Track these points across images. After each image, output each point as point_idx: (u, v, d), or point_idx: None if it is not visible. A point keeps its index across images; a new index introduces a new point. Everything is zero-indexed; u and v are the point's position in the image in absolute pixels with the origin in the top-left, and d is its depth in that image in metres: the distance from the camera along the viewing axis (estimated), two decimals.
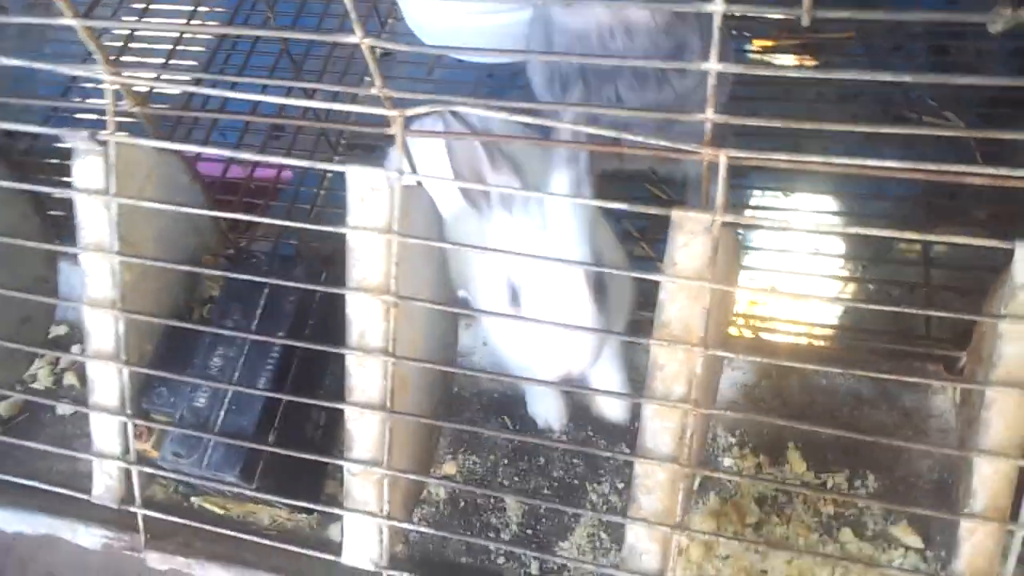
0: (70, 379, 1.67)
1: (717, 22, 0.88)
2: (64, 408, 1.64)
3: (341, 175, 1.12)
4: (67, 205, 1.22)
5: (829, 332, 1.79)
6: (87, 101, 1.99)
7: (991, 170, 0.90)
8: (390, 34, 2.09)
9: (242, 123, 1.86)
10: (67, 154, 1.19)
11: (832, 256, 2.12)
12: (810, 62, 2.72)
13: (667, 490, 1.13)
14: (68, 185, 1.19)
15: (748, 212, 2.12)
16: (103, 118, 1.18)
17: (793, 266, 1.80)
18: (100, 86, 1.17)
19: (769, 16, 2.37)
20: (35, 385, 1.67)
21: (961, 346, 1.38)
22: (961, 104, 2.43)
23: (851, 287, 2.04)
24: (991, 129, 2.20)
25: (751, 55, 2.75)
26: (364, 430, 1.19)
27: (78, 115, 2.01)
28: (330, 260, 1.43)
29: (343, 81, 1.84)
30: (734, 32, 2.64)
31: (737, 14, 0.86)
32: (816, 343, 1.56)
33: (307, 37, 1.73)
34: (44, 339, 1.62)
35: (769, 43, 2.75)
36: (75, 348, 1.69)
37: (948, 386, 1.35)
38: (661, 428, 1.12)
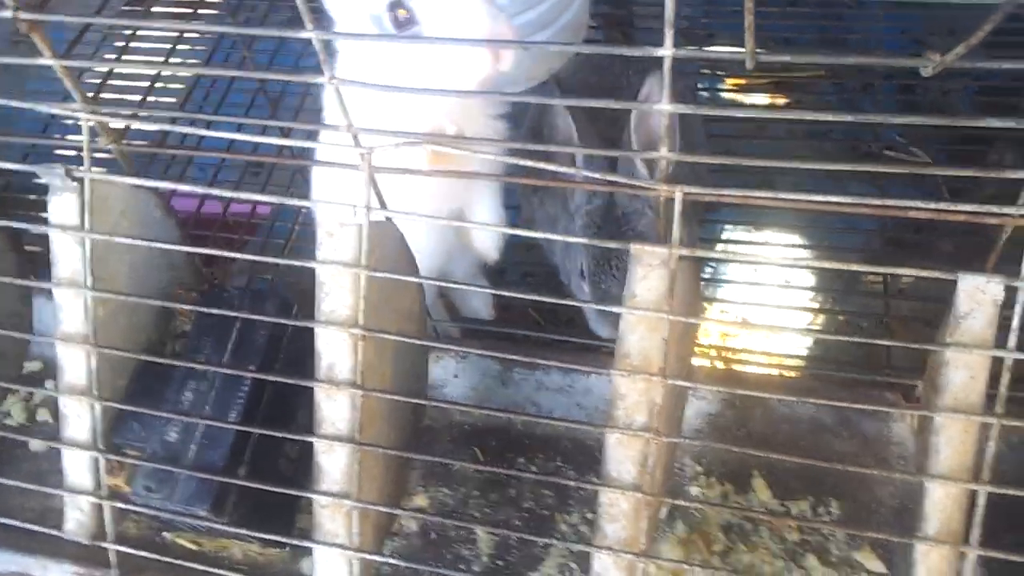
0: (43, 415, 1.68)
1: (667, 65, 0.92)
2: (37, 444, 1.64)
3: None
4: (44, 241, 1.25)
5: (796, 362, 1.83)
6: (66, 138, 2.02)
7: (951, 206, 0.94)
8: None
9: (218, 159, 1.90)
10: (44, 190, 1.22)
11: (801, 288, 2.18)
12: (781, 100, 2.79)
13: (631, 518, 1.15)
14: (45, 221, 1.22)
15: (719, 246, 2.17)
16: (82, 154, 1.21)
17: (763, 298, 1.85)
18: (78, 123, 1.20)
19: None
20: (8, 421, 1.67)
21: (919, 375, 1.42)
22: (928, 141, 2.51)
23: (820, 318, 2.09)
24: (957, 165, 2.28)
25: (724, 93, 2.82)
26: (333, 462, 1.21)
27: (59, 151, 2.04)
28: (305, 295, 1.46)
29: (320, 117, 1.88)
30: (707, 71, 2.72)
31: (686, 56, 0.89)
32: (783, 373, 1.60)
33: (278, 78, 1.77)
34: (18, 375, 1.62)
35: (742, 81, 2.82)
36: (48, 384, 1.69)
37: (907, 414, 1.39)
38: (624, 457, 1.14)
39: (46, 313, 1.69)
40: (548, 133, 1.61)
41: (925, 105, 2.54)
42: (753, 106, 2.51)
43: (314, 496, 1.21)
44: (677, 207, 1.07)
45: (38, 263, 1.57)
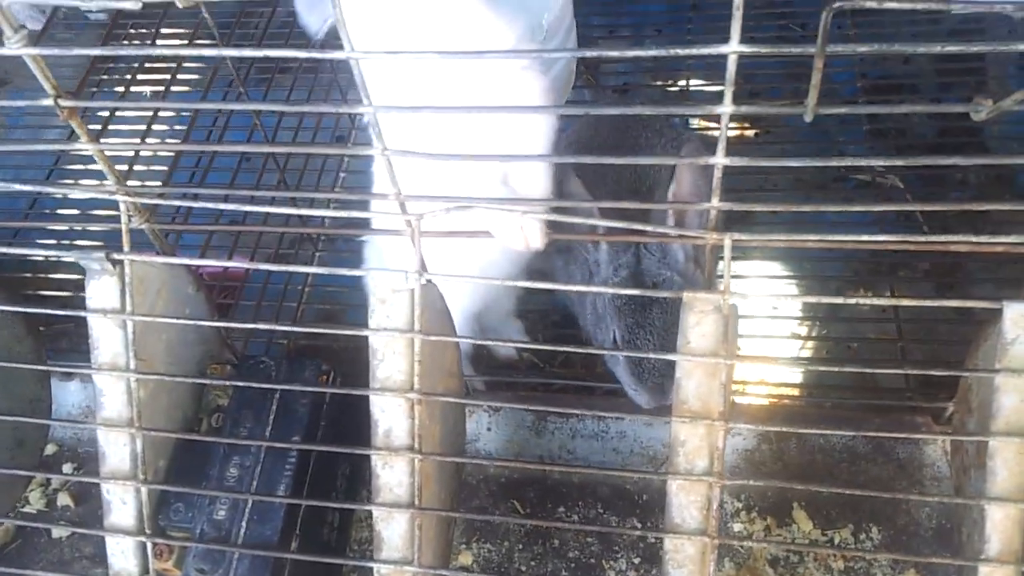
0: (64, 499, 1.63)
1: (725, 121, 0.95)
2: (59, 531, 1.59)
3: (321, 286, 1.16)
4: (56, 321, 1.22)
5: (809, 390, 1.86)
6: (58, 212, 1.98)
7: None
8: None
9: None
10: (39, 267, 1.19)
11: (788, 318, 2.21)
12: (750, 131, 2.86)
13: (697, 563, 1.16)
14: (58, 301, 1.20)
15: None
16: (74, 229, 1.19)
17: (756, 329, 1.88)
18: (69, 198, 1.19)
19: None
20: (27, 509, 1.62)
21: (937, 396, 1.47)
22: (899, 165, 2.58)
23: (809, 345, 2.12)
24: (928, 187, 2.36)
25: (697, 130, 2.87)
26: (393, 530, 1.20)
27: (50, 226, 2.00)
28: (336, 356, 1.45)
29: (322, 179, 1.88)
30: (677, 117, 2.77)
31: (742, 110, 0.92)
32: (802, 402, 1.63)
33: (330, 151, 1.76)
34: (39, 461, 1.58)
35: (711, 124, 2.88)
36: (66, 467, 1.65)
37: (938, 436, 1.43)
38: (687, 503, 1.15)
39: (62, 395, 1.65)
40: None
41: (890, 129, 2.63)
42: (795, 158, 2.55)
43: (375, 565, 1.20)
44: (727, 253, 1.09)
45: (47, 342, 1.55)
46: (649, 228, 1.13)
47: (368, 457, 1.17)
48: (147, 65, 1.80)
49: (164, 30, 2.01)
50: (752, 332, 1.77)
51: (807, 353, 1.99)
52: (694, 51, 0.89)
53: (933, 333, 1.77)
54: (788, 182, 2.50)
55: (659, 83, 2.73)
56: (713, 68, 2.58)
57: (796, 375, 1.79)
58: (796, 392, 1.63)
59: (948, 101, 2.53)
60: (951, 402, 1.38)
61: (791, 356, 1.70)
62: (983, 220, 2.21)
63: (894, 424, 1.44)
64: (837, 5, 0.80)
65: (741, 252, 2.37)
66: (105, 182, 1.15)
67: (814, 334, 2.15)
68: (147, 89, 1.89)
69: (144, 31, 2.07)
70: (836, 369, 1.49)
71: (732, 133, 2.86)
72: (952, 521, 1.31)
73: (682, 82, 2.58)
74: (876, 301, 1.13)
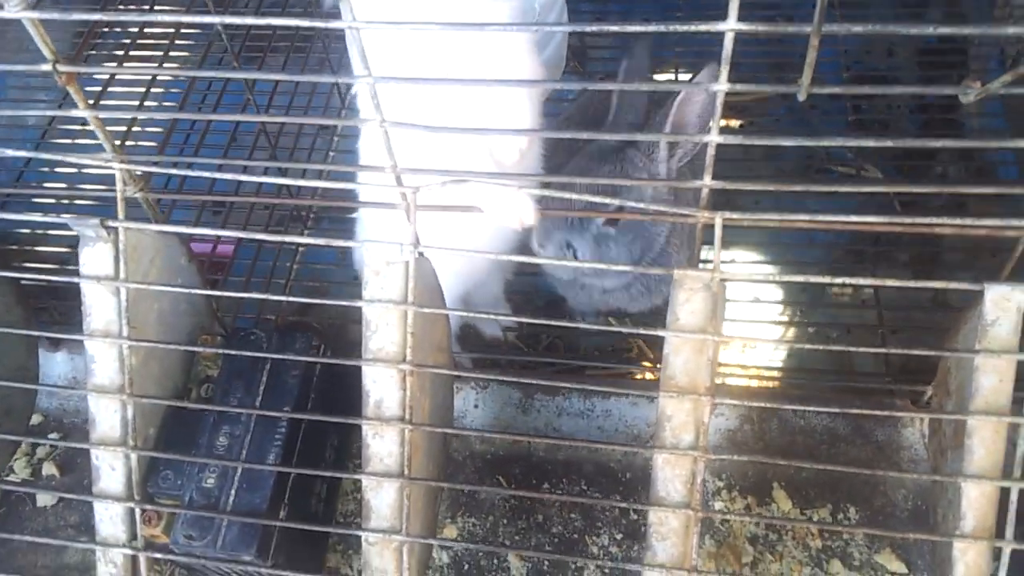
0: (49, 469, 1.63)
1: (720, 100, 0.97)
2: (45, 499, 1.60)
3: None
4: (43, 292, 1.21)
5: (791, 374, 1.89)
6: (44, 185, 1.98)
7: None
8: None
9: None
10: (25, 239, 1.18)
11: (771, 302, 2.24)
12: (735, 122, 2.88)
13: (681, 535, 1.18)
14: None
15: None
16: (61, 202, 1.19)
17: (738, 314, 1.90)
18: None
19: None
20: (11, 477, 1.62)
21: (916, 381, 1.50)
22: (877, 156, 2.61)
23: (791, 331, 2.15)
24: (906, 179, 2.39)
25: None
26: (382, 499, 1.21)
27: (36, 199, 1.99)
28: (319, 334, 1.46)
29: (313, 151, 1.88)
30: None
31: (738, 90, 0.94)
32: (784, 384, 1.66)
33: (330, 122, 1.75)
34: (25, 430, 1.58)
35: None
36: (51, 437, 1.65)
37: (916, 419, 1.46)
38: (672, 476, 1.17)
39: (49, 365, 1.65)
40: None
41: (872, 122, 2.67)
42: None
43: (363, 533, 1.21)
44: (717, 232, 1.11)
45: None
46: (641, 206, 1.15)
47: (357, 430, 1.19)
48: (144, 31, 1.79)
49: (156, 6, 2.01)
50: (735, 317, 1.79)
51: (785, 334, 2.02)
52: (692, 27, 0.90)
53: (912, 321, 1.80)
54: (770, 171, 2.53)
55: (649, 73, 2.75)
56: (701, 57, 2.59)
57: (778, 358, 1.82)
58: (778, 375, 1.66)
59: (930, 96, 2.57)
60: (930, 386, 1.42)
61: (775, 338, 1.73)
62: (962, 213, 2.25)
63: (874, 406, 1.47)
64: None
65: (724, 238, 2.39)
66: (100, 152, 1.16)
67: (795, 321, 2.18)
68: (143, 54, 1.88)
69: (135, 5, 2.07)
70: (820, 347, 1.51)
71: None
72: (928, 502, 1.34)
73: (670, 73, 2.59)
74: (861, 282, 1.15)
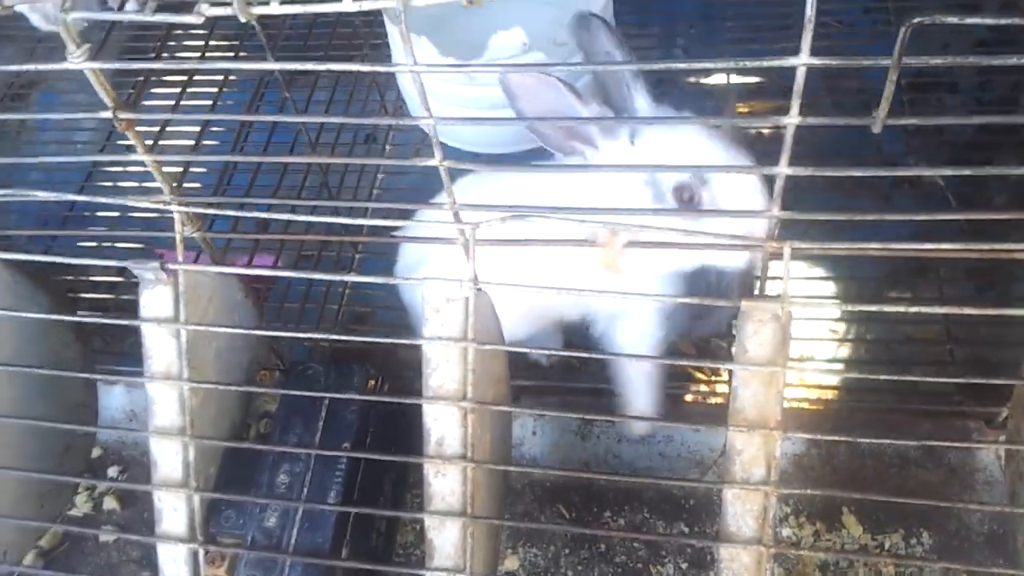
0: (110, 503, 1.64)
1: (791, 132, 0.93)
2: (106, 535, 1.60)
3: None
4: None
5: (856, 394, 1.84)
6: (89, 228, 1.96)
7: None
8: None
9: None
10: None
11: (831, 319, 2.17)
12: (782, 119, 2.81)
13: (753, 572, 1.15)
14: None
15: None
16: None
17: (803, 329, 1.85)
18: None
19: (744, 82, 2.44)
20: (73, 512, 1.63)
21: (988, 398, 1.45)
22: (930, 152, 2.52)
23: (854, 332, 2.08)
24: (967, 183, 2.32)
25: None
26: (445, 538, 1.19)
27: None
28: (368, 357, 1.45)
29: (362, 179, 1.88)
30: (713, 103, 2.73)
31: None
32: (850, 406, 1.61)
33: (392, 163, 1.75)
34: (86, 466, 1.59)
35: (746, 108, 2.84)
36: (111, 470, 1.66)
37: (992, 440, 1.41)
38: (743, 511, 1.15)
39: (109, 400, 1.66)
40: None
41: (929, 127, 2.59)
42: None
43: (428, 573, 1.20)
44: (786, 262, 1.08)
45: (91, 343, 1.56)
46: (711, 240, 1.12)
47: (415, 462, 1.17)
48: (196, 78, 1.79)
49: (212, 41, 2.01)
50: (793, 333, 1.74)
51: (848, 353, 1.96)
52: (762, 63, 0.87)
53: (978, 333, 1.74)
54: (826, 179, 2.46)
55: (692, 79, 2.69)
56: (748, 57, 2.52)
57: (842, 378, 1.77)
58: (842, 394, 1.61)
59: (988, 97, 2.49)
60: (1005, 406, 1.37)
61: (840, 359, 1.68)
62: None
63: (945, 429, 1.43)
64: (916, 21, 0.78)
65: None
66: (153, 194, 1.16)
67: (856, 334, 2.12)
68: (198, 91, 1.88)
69: (189, 43, 2.06)
70: (893, 378, 1.46)
71: (766, 130, 2.83)
72: (1005, 527, 1.29)
73: (719, 76, 2.53)
74: (934, 310, 1.11)
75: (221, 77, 1.90)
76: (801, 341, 1.71)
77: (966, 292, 1.87)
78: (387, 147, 2.01)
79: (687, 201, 1.24)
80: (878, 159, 2.58)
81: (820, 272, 2.24)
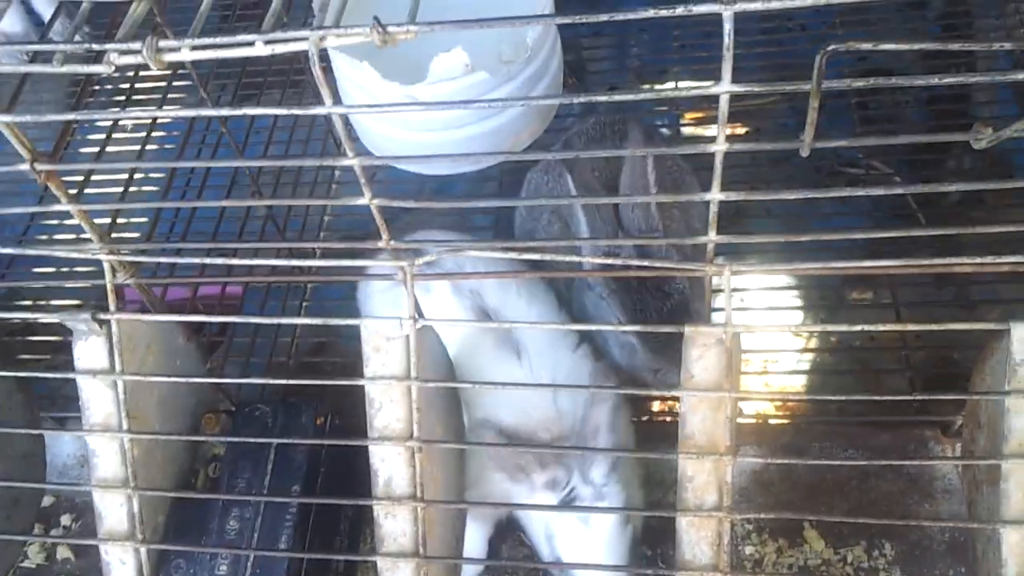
0: (63, 552, 1.61)
1: (719, 160, 0.92)
2: None
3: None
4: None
5: (812, 398, 1.83)
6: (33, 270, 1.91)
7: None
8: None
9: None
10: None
11: (790, 308, 2.16)
12: (741, 130, 2.82)
13: None
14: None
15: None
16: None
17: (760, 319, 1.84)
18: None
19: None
20: (26, 564, 1.60)
21: (945, 402, 1.45)
22: (886, 151, 2.53)
23: (813, 341, 2.08)
24: (919, 175, 2.33)
25: (684, 128, 2.82)
26: None
27: None
28: (333, 397, 1.43)
29: (311, 210, 1.85)
30: (665, 108, 2.73)
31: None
32: (808, 418, 1.60)
33: (318, 203, 1.73)
34: (37, 515, 1.55)
35: (699, 114, 2.84)
36: (64, 518, 1.63)
37: (948, 448, 1.41)
38: (698, 539, 1.13)
39: (59, 446, 1.63)
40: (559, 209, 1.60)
41: (880, 119, 2.59)
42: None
43: None
44: (727, 286, 1.07)
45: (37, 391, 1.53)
46: (647, 263, 1.11)
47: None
48: (122, 122, 1.76)
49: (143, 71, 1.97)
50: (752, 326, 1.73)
51: (808, 355, 1.95)
52: (685, 92, 0.86)
53: (933, 333, 1.74)
54: (780, 177, 2.46)
55: (646, 85, 2.68)
56: (701, 63, 2.52)
57: (799, 381, 1.77)
58: (800, 394, 1.61)
59: (939, 89, 2.50)
60: (960, 415, 1.37)
61: (796, 369, 1.68)
62: (979, 206, 2.19)
63: (903, 439, 1.42)
64: (831, 48, 0.78)
65: (734, 249, 2.33)
66: (84, 238, 1.13)
67: (816, 333, 2.11)
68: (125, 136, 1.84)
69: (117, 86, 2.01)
70: (843, 399, 1.45)
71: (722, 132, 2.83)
72: (967, 535, 1.29)
73: (670, 83, 2.53)
74: (884, 328, 1.11)
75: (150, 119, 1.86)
76: (756, 353, 1.71)
77: (926, 291, 1.87)
78: (336, 172, 1.99)
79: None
80: (832, 156, 2.59)
81: (780, 266, 2.22)
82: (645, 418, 1.60)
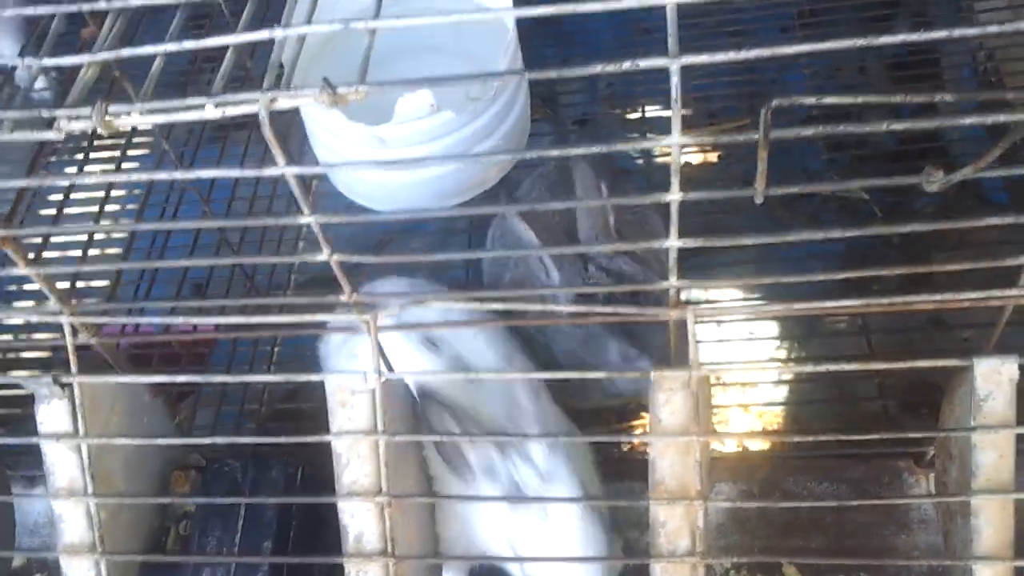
0: None
1: (674, 209, 0.92)
2: None
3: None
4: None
5: (782, 438, 1.83)
6: None
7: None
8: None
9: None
10: None
11: (767, 338, 2.17)
12: (713, 156, 2.83)
13: None
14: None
15: None
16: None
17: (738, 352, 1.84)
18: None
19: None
20: None
21: (917, 411, 1.45)
22: (857, 169, 2.53)
23: (786, 367, 2.08)
24: (891, 193, 2.34)
25: (657, 158, 2.83)
26: None
27: None
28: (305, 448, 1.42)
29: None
30: (637, 135, 2.74)
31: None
32: (781, 451, 1.60)
33: (274, 260, 1.73)
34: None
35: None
36: None
37: (922, 479, 1.41)
38: None
39: (29, 504, 1.61)
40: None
41: (848, 143, 2.60)
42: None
43: None
44: (690, 328, 1.07)
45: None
46: (609, 309, 1.11)
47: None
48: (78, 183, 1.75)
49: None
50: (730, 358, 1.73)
51: (782, 384, 1.95)
52: (640, 144, 0.86)
53: (907, 345, 1.75)
54: (748, 200, 2.46)
55: (617, 111, 2.69)
56: (668, 93, 2.53)
57: (776, 411, 1.77)
58: (773, 426, 1.61)
59: (904, 114, 2.51)
60: (931, 446, 1.37)
61: (770, 401, 1.68)
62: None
63: (877, 470, 1.43)
64: (776, 103, 0.78)
65: (700, 271, 2.34)
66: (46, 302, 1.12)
67: (790, 359, 2.12)
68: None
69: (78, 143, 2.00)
70: (811, 438, 1.44)
71: (695, 159, 2.85)
72: (943, 566, 1.29)
73: (639, 110, 2.54)
74: (848, 367, 1.11)
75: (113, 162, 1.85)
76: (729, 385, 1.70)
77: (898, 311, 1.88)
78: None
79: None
80: (803, 176, 2.60)
81: (754, 293, 2.23)
82: (617, 451, 1.60)
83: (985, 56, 2.40)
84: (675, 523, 1.11)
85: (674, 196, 0.91)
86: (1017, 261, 0.99)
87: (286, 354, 1.86)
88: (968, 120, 0.83)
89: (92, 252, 1.78)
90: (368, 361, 1.11)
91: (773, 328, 2.21)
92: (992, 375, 1.06)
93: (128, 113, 0.86)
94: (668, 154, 2.73)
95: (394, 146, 1.82)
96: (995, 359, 1.05)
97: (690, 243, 0.97)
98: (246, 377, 1.26)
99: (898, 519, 1.43)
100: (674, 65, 0.79)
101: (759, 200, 0.89)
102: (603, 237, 1.42)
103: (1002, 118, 0.82)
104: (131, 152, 2.09)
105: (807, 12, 2.55)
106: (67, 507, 1.18)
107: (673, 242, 0.97)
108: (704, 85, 2.75)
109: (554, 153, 0.90)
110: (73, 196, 1.69)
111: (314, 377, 1.12)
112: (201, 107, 0.85)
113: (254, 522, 1.29)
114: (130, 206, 2.02)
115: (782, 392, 1.80)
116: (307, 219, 0.95)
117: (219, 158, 2.05)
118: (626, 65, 0.81)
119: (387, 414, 1.12)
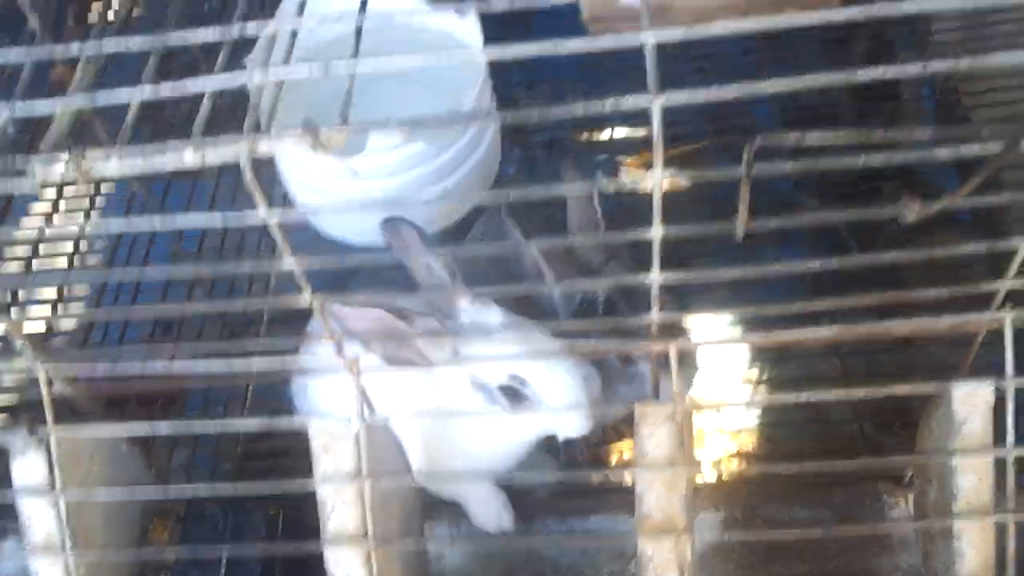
0: None
1: (656, 244, 0.93)
2: None
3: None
4: None
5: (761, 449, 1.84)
6: None
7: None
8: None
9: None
10: None
11: (740, 358, 2.17)
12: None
13: None
14: None
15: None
16: None
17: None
18: None
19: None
20: None
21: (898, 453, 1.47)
22: (821, 185, 2.55)
23: (761, 391, 2.09)
24: (857, 208, 2.36)
25: (628, 180, 2.82)
26: None
27: None
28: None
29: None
30: (605, 156, 2.74)
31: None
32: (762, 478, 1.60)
33: (255, 304, 1.71)
34: None
35: (634, 162, 2.85)
36: None
37: (902, 500, 1.43)
38: None
39: (13, 550, 1.57)
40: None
41: (815, 151, 2.63)
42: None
43: None
44: (673, 362, 1.08)
45: None
46: (592, 343, 1.12)
47: None
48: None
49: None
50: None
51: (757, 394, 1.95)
52: (612, 187, 0.87)
53: (879, 364, 1.77)
54: (727, 214, 2.47)
55: (584, 135, 2.70)
56: (637, 115, 2.55)
57: (751, 436, 1.78)
58: (751, 452, 1.62)
59: (870, 122, 2.55)
60: (909, 467, 1.39)
61: (744, 427, 1.70)
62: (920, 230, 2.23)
63: (858, 493, 1.44)
64: (759, 143, 0.79)
65: (677, 296, 2.34)
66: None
67: (764, 380, 2.13)
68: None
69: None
70: (785, 468, 1.45)
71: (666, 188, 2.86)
72: None
73: (607, 132, 2.55)
74: (826, 395, 1.12)
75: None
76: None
77: (872, 327, 1.90)
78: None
79: (515, 399, 1.26)
80: (769, 198, 2.62)
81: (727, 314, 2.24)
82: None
83: (943, 76, 2.45)
84: (663, 557, 1.11)
85: (656, 232, 0.92)
86: (992, 286, 1.02)
87: (259, 389, 1.84)
88: (942, 153, 0.84)
89: (65, 291, 1.76)
90: (347, 399, 1.10)
91: (746, 349, 2.23)
92: (969, 399, 1.07)
93: (106, 160, 0.85)
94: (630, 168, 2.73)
95: (366, 177, 1.82)
96: (971, 383, 1.07)
97: (672, 279, 0.98)
98: (229, 422, 1.24)
99: (879, 540, 1.44)
100: (656, 104, 0.80)
101: (740, 235, 0.91)
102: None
103: (976, 149, 0.84)
104: (103, 189, 2.08)
105: (769, 33, 2.58)
106: (44, 564, 1.15)
107: (655, 277, 0.98)
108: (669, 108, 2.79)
109: (539, 192, 0.91)
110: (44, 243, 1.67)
111: (297, 420, 1.11)
112: (180, 154, 0.84)
113: (237, 570, 1.27)
114: (101, 242, 2.01)
115: (755, 414, 1.82)
116: (289, 264, 0.95)
117: (191, 190, 2.03)
118: (608, 105, 0.82)
119: (372, 458, 1.12)
